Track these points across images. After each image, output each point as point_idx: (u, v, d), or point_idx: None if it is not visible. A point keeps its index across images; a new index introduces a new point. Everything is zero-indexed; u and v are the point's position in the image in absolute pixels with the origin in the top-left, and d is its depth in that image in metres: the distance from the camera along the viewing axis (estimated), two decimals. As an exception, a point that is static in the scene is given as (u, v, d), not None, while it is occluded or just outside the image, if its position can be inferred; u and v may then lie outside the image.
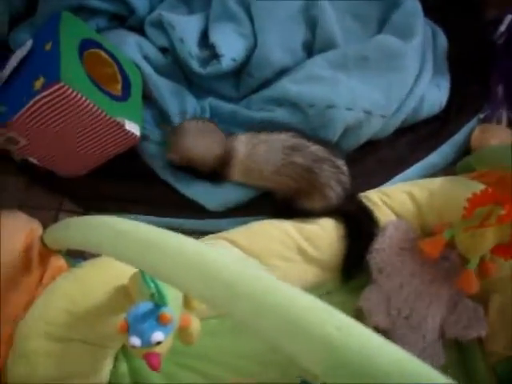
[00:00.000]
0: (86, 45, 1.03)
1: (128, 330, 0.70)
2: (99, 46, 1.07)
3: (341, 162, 1.07)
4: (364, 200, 1.10)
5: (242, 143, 1.09)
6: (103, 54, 1.07)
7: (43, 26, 1.06)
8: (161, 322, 0.69)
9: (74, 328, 0.87)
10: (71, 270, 0.94)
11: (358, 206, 1.08)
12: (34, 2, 1.29)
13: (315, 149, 1.06)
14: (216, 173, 1.12)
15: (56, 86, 0.92)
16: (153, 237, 0.61)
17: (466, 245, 0.96)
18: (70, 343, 0.86)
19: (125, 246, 0.63)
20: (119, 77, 1.09)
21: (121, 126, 1.02)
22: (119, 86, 1.08)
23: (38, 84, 0.94)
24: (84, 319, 0.88)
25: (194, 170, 1.13)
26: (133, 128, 1.03)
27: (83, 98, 0.95)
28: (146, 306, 0.72)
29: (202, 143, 1.09)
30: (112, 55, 1.09)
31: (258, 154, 1.07)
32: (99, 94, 1.00)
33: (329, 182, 1.05)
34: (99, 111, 0.98)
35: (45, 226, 0.92)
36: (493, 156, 1.10)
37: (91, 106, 0.97)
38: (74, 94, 0.94)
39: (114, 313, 0.89)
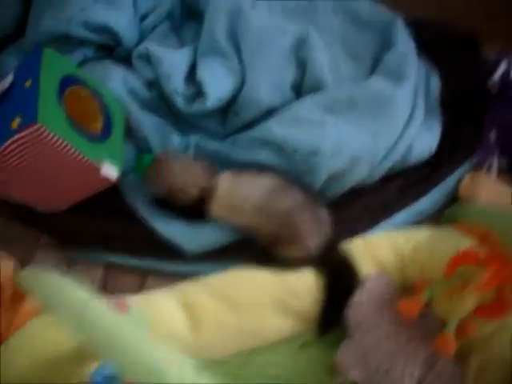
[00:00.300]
0: (67, 82, 1.00)
1: None
2: (81, 82, 1.04)
3: (323, 212, 1.04)
4: (346, 248, 1.06)
5: (226, 179, 1.06)
6: (85, 90, 1.04)
7: (25, 59, 1.04)
8: None
9: (37, 377, 0.85)
10: (43, 316, 0.91)
11: (339, 257, 1.05)
12: (23, 23, 1.27)
13: (298, 195, 1.03)
14: (197, 207, 1.08)
15: (32, 128, 0.90)
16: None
17: (444, 308, 0.92)
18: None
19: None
20: (101, 114, 1.05)
21: (97, 169, 0.99)
22: (100, 124, 1.05)
23: (15, 123, 0.92)
24: (48, 369, 0.86)
25: (172, 206, 1.10)
26: (110, 169, 1.00)
27: (60, 140, 0.93)
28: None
29: (187, 174, 1.06)
30: (94, 92, 1.06)
31: (240, 191, 1.04)
32: (77, 135, 0.97)
33: (309, 231, 1.02)
34: (76, 153, 0.95)
35: (22, 262, 0.91)
36: (475, 213, 1.07)
37: (68, 148, 0.94)
38: (51, 136, 0.91)
39: (81, 364, 0.87)
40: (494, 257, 0.92)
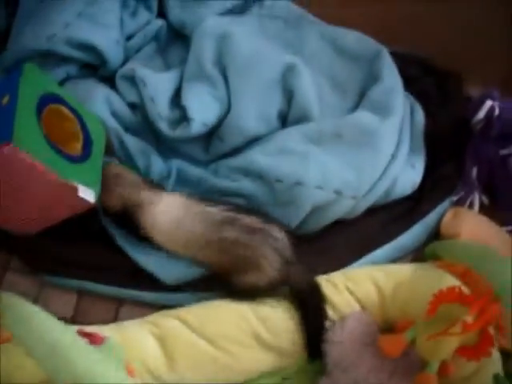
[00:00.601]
0: (46, 100, 0.96)
1: None
2: (61, 101, 1.00)
3: (277, 231, 1.00)
4: (325, 283, 1.03)
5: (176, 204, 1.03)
6: (65, 109, 1.00)
7: (5, 75, 1.00)
8: None
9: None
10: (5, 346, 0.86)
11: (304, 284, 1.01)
12: (6, 37, 1.22)
13: (247, 221, 0.99)
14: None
15: (7, 148, 0.85)
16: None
17: (426, 349, 0.88)
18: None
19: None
20: (80, 134, 1.01)
21: (74, 192, 0.94)
22: (80, 145, 1.01)
23: (-11, 141, 0.88)
24: None
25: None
26: (87, 194, 0.95)
27: (36, 161, 0.88)
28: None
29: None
30: (75, 111, 1.02)
31: (185, 223, 1.01)
32: (54, 156, 0.92)
33: (263, 251, 0.98)
34: (52, 175, 0.90)
35: None
36: (455, 251, 1.05)
37: (43, 169, 0.89)
38: (26, 156, 0.86)
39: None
40: (477, 296, 0.90)
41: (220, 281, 1.03)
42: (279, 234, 1.00)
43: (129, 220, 1.04)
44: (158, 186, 1.10)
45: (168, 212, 1.02)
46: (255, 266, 0.99)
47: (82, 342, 0.67)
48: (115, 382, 0.63)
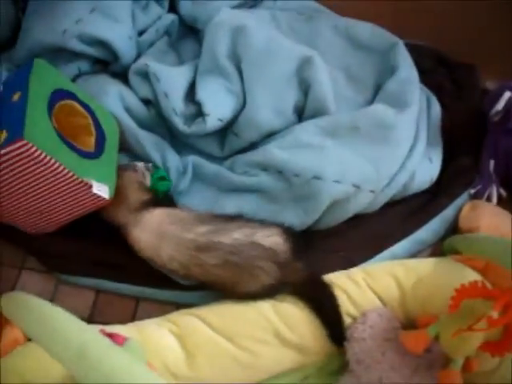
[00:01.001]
0: (58, 96, 0.94)
1: None
2: (73, 96, 0.97)
3: (269, 237, 0.96)
4: (345, 279, 1.00)
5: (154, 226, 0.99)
6: (77, 105, 0.98)
7: (16, 71, 0.97)
8: None
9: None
10: (26, 345, 0.83)
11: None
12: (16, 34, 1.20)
13: (230, 241, 0.94)
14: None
15: (18, 144, 0.83)
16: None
17: (451, 345, 0.86)
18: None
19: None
20: (93, 130, 0.99)
21: (88, 188, 0.91)
22: (92, 140, 0.98)
23: (1, 138, 0.84)
24: None
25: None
26: (101, 190, 0.93)
27: (48, 157, 0.85)
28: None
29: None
30: (87, 107, 0.99)
31: (163, 247, 0.97)
32: (67, 151, 0.90)
33: (254, 264, 0.94)
34: (65, 171, 0.88)
35: (6, 286, 0.82)
36: (477, 245, 1.01)
37: (57, 165, 0.87)
38: (38, 152, 0.84)
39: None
40: (502, 290, 0.87)
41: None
42: (272, 240, 0.96)
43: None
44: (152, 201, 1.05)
45: (147, 232, 0.98)
46: (250, 278, 0.95)
47: (110, 342, 0.64)
48: (149, 382, 0.59)
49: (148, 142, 1.08)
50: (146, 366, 0.79)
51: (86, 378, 0.59)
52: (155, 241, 0.97)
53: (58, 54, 1.12)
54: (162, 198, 1.07)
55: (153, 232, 0.97)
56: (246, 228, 0.97)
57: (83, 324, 0.66)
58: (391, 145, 1.08)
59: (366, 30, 1.26)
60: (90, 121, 0.99)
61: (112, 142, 1.02)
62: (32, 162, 0.85)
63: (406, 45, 1.25)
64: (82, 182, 0.91)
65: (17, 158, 0.84)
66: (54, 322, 0.64)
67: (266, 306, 0.97)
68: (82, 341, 0.60)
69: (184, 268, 0.96)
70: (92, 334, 0.63)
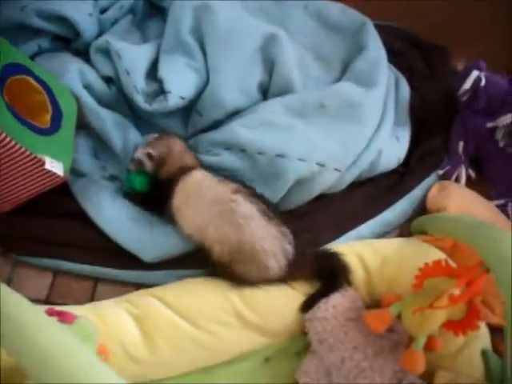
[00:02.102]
0: (10, 70, 0.88)
1: None
2: (27, 72, 0.92)
3: (286, 229, 0.93)
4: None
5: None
6: (32, 81, 0.92)
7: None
8: None
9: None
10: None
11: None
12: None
13: (257, 207, 0.90)
14: (168, 187, 0.96)
15: (-34, 118, 0.78)
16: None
17: (412, 323, 0.82)
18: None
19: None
20: (49, 106, 0.94)
21: (41, 164, 0.86)
22: (48, 117, 0.93)
23: None
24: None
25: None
26: (55, 166, 0.87)
27: (-2, 132, 0.80)
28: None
29: (184, 148, 1.01)
30: (43, 83, 0.94)
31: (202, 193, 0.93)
32: (19, 127, 0.85)
33: (273, 250, 0.90)
34: (17, 146, 0.83)
35: None
36: (445, 225, 0.98)
37: (7, 140, 0.81)
38: (-13, 127, 0.79)
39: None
40: (465, 268, 0.84)
41: (221, 270, 0.94)
42: (288, 232, 0.93)
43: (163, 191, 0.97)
44: None
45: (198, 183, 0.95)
46: (259, 262, 0.91)
47: (48, 318, 0.60)
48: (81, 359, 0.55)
49: (108, 120, 1.03)
50: (93, 345, 0.75)
51: (20, 355, 0.55)
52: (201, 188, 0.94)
53: (18, 32, 1.07)
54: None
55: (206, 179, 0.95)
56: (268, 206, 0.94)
57: (25, 300, 0.61)
58: (357, 123, 1.04)
59: (336, 10, 1.23)
60: (46, 97, 0.94)
61: (69, 119, 0.97)
62: (-19, 137, 0.80)
63: (378, 26, 1.22)
64: (34, 158, 0.85)
65: (-36, 134, 0.79)
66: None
67: (227, 287, 0.93)
68: (18, 313, 0.56)
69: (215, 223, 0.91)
70: (29, 309, 0.59)
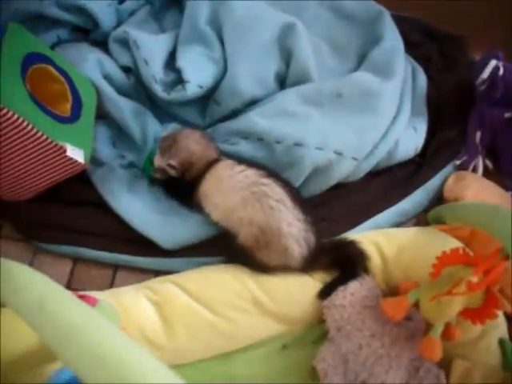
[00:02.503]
0: (31, 59, 0.89)
1: None
2: (48, 61, 0.93)
3: (310, 217, 0.93)
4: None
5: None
6: (52, 70, 0.93)
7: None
8: None
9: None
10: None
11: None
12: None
13: (285, 194, 0.91)
14: (195, 180, 0.97)
15: (-9, 107, 0.78)
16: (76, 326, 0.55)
17: (430, 311, 0.82)
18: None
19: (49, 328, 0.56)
20: (69, 95, 0.94)
21: (62, 151, 0.87)
22: (69, 106, 0.94)
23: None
24: (14, 362, 0.73)
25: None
26: (76, 154, 0.88)
27: (20, 119, 0.81)
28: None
29: (203, 142, 0.99)
30: (63, 72, 0.95)
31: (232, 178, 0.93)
32: (41, 115, 0.85)
33: (298, 236, 0.90)
34: (39, 134, 0.84)
35: None
36: (463, 213, 0.97)
37: (29, 127, 0.83)
38: (12, 115, 0.80)
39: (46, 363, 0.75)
40: (482, 257, 0.83)
41: (242, 256, 0.95)
42: (312, 223, 0.93)
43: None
44: None
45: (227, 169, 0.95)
46: (282, 248, 0.91)
47: (71, 295, 0.60)
48: (110, 336, 0.55)
49: (127, 109, 1.04)
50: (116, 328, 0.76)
51: (46, 331, 0.55)
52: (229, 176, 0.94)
53: (37, 22, 1.08)
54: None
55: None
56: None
57: (47, 278, 0.62)
58: (375, 113, 1.04)
59: (351, 0, 1.22)
60: (67, 86, 0.95)
61: (89, 109, 0.98)
62: (5, 124, 0.81)
63: (395, 17, 1.21)
64: (56, 145, 0.86)
65: (-12, 121, 0.80)
66: (15, 276, 0.59)
67: (245, 274, 0.93)
68: (42, 293, 0.56)
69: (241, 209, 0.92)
70: (53, 286, 0.59)
